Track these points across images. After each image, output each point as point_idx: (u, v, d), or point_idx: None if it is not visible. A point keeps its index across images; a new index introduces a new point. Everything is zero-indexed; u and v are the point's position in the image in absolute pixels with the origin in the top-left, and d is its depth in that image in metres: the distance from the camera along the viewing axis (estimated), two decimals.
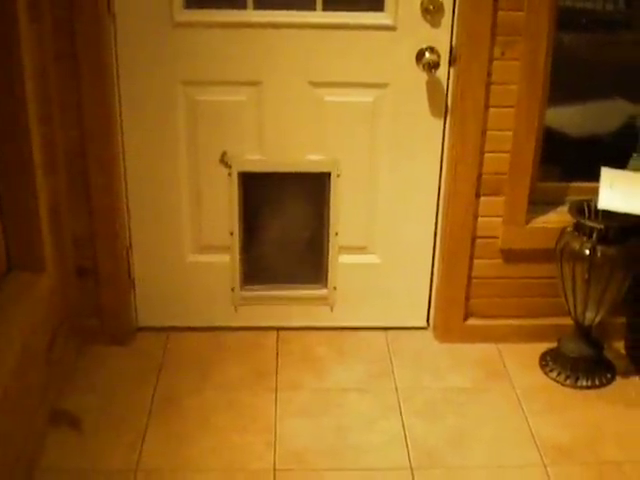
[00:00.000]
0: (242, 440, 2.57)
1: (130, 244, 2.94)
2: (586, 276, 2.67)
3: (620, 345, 3.01)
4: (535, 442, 2.59)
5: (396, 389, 2.82)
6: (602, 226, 2.67)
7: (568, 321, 2.88)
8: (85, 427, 2.61)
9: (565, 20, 2.82)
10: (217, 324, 3.06)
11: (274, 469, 2.47)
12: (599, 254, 2.67)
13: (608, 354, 2.94)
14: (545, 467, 2.50)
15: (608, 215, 2.69)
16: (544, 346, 2.98)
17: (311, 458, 2.51)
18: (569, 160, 3.06)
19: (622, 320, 2.99)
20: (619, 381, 2.87)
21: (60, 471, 2.43)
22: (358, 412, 2.71)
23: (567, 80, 2.95)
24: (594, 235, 2.67)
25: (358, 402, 2.75)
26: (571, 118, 3.08)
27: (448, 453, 2.55)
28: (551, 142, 2.96)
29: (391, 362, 2.94)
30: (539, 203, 2.93)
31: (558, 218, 2.87)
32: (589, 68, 3.04)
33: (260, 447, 2.55)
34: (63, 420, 2.63)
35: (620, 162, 2.87)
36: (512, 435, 2.62)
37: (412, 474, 2.46)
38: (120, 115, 2.75)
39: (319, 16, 2.69)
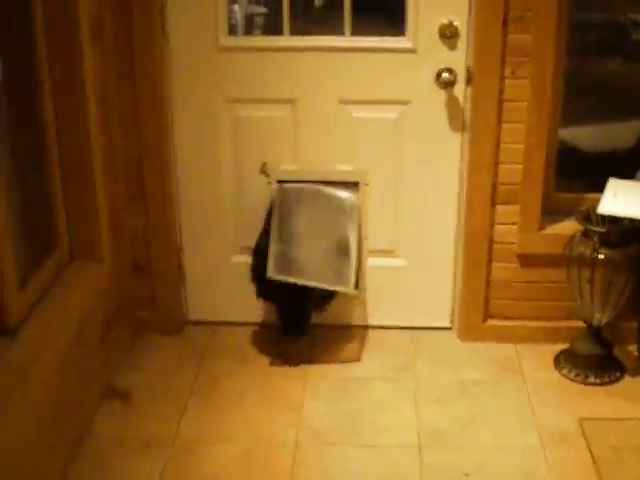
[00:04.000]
0: (270, 416, 2.89)
1: (181, 244, 3.31)
2: (588, 277, 2.90)
3: (633, 348, 3.20)
4: (537, 428, 2.82)
5: (415, 379, 3.08)
6: (604, 230, 2.90)
7: (581, 323, 3.10)
8: (133, 401, 2.96)
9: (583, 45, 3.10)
10: (256, 320, 3.38)
11: (295, 443, 2.77)
12: (601, 257, 2.90)
13: (620, 356, 3.15)
14: (544, 449, 2.73)
15: (613, 221, 2.92)
16: (560, 347, 3.20)
17: (328, 435, 2.81)
18: (589, 174, 3.30)
19: (635, 324, 3.18)
20: (628, 379, 3.06)
21: (106, 437, 2.79)
22: (376, 398, 2.99)
23: (586, 102, 3.23)
24: (596, 238, 2.90)
25: (377, 389, 3.03)
26: (590, 136, 3.34)
27: (455, 435, 2.80)
28: (572, 157, 3.23)
29: (414, 357, 3.21)
30: (557, 213, 3.17)
31: (571, 226, 3.08)
32: (608, 91, 3.30)
33: (284, 424, 2.86)
34: (115, 395, 3.00)
35: (633, 175, 3.11)
36: (517, 421, 2.86)
37: (420, 452, 2.72)
38: (173, 129, 3.13)
39: (347, 41, 3.04)
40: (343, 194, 3.10)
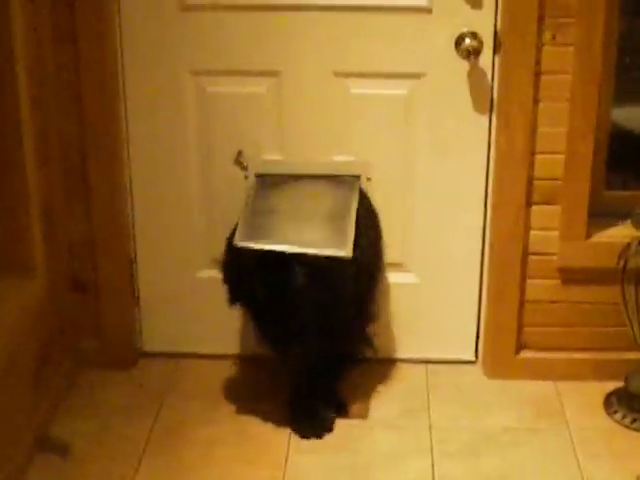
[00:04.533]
0: (248, 474, 2.80)
1: (135, 256, 3.23)
2: None
3: None
4: None
5: (430, 427, 3.01)
6: None
7: (639, 355, 3.04)
8: (74, 455, 2.87)
9: None
10: (232, 352, 3.31)
11: None
12: None
13: None
14: None
15: None
16: (611, 385, 3.13)
17: None
18: None
19: None
20: None
21: None
22: (381, 450, 2.91)
23: None
24: None
25: (383, 440, 2.96)
26: None
27: None
28: (627, 145, 3.18)
29: (428, 398, 3.14)
30: (606, 215, 3.12)
31: (626, 232, 3.03)
32: None
33: None
34: (50, 446, 2.90)
35: None
36: (559, 479, 2.78)
37: None
38: (125, 107, 3.07)
39: None
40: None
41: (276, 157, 3.11)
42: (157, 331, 3.32)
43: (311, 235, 2.88)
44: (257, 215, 2.95)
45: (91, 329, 3.25)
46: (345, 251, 2.82)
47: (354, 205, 2.97)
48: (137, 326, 3.31)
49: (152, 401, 3.12)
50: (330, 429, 2.99)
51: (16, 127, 2.76)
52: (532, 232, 3.08)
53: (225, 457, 2.87)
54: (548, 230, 3.07)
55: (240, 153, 3.10)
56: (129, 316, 3.27)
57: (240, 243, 2.84)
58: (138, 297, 3.28)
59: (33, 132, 2.84)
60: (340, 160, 3.09)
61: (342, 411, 3.06)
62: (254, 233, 2.87)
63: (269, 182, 3.06)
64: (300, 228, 2.91)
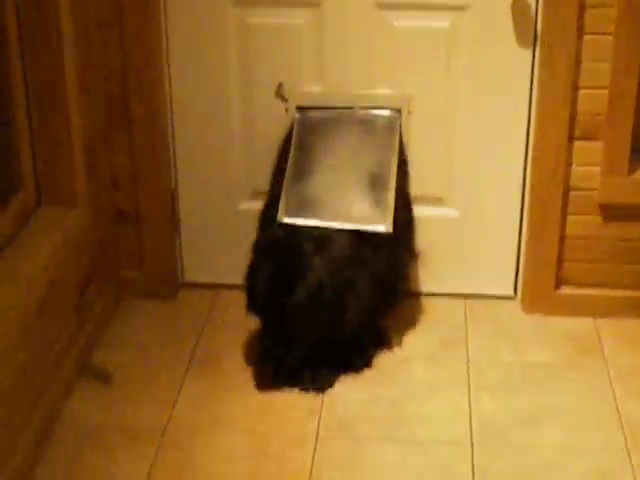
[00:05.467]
0: (285, 402, 2.85)
1: (176, 187, 3.25)
2: None
3: None
4: (622, 426, 2.75)
5: (468, 360, 3.03)
6: None
7: None
8: (115, 382, 2.94)
9: None
10: None
11: (316, 436, 2.72)
12: None
13: None
14: (628, 452, 2.66)
15: None
16: None
17: (357, 427, 2.76)
18: None
19: None
20: None
21: (82, 426, 2.77)
22: (418, 383, 2.94)
23: None
24: None
25: (420, 372, 2.98)
26: None
27: (517, 431, 2.75)
28: None
29: (467, 332, 3.16)
30: None
31: None
32: None
33: (303, 412, 2.82)
34: (92, 373, 2.97)
35: None
36: (594, 416, 2.80)
37: (472, 450, 2.67)
38: (166, 38, 3.07)
39: None
40: (382, 113, 3.04)
41: (316, 89, 3.09)
42: (198, 262, 3.36)
43: (352, 208, 2.93)
44: (298, 181, 2.96)
45: (133, 259, 3.28)
46: (385, 226, 2.88)
47: (394, 162, 2.97)
48: (178, 257, 3.34)
49: (192, 330, 3.17)
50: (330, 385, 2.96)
51: (59, 61, 2.76)
52: (574, 167, 3.06)
53: (265, 385, 2.92)
54: (590, 166, 3.05)
55: (281, 85, 3.09)
56: (170, 247, 3.30)
57: (286, 219, 2.88)
58: (179, 228, 3.31)
59: (74, 62, 2.84)
60: (381, 93, 3.08)
61: (382, 344, 3.09)
62: (297, 209, 2.91)
63: (308, 125, 3.05)
64: (342, 201, 2.95)
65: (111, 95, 3.07)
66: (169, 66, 3.11)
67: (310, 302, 2.78)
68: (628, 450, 2.67)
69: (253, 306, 2.87)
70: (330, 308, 2.83)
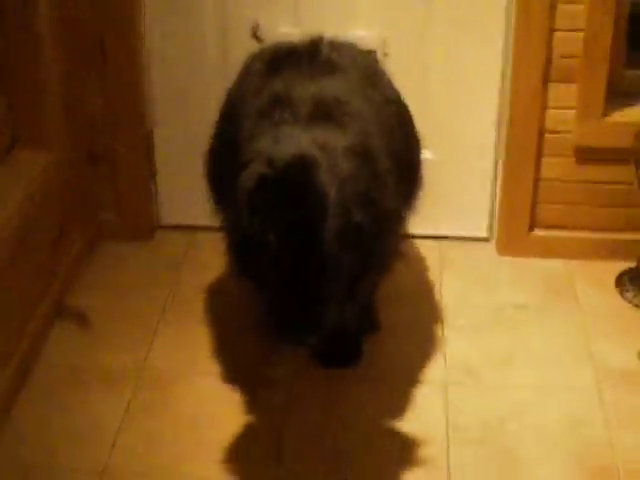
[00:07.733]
0: (256, 347, 2.87)
1: (152, 127, 3.24)
2: None
3: None
4: (592, 365, 2.79)
5: (440, 301, 3.05)
6: None
7: None
8: (90, 325, 2.95)
9: None
10: None
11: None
12: None
13: None
14: (599, 391, 2.70)
15: None
16: (623, 265, 3.16)
17: None
18: None
19: None
20: None
21: (59, 366, 2.78)
22: (393, 322, 2.94)
23: None
24: None
25: (393, 312, 2.98)
26: None
27: (489, 372, 2.78)
28: None
29: (441, 274, 3.18)
30: (626, 95, 3.09)
31: None
32: None
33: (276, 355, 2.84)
34: (68, 315, 2.98)
35: None
36: (566, 356, 2.83)
37: (445, 390, 2.71)
38: None
39: None
40: None
41: (292, 31, 3.05)
42: (174, 204, 3.35)
43: None
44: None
45: (109, 202, 3.27)
46: None
47: None
48: (154, 199, 3.34)
49: (168, 273, 3.17)
50: None
51: None
52: (549, 110, 3.05)
53: (240, 328, 2.93)
54: (565, 109, 3.04)
55: (257, 26, 3.07)
56: (146, 189, 3.29)
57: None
58: (155, 170, 3.30)
59: (49, 3, 2.81)
60: (357, 34, 3.04)
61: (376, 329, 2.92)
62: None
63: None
64: None
65: (85, 34, 3.03)
66: (144, 5, 3.08)
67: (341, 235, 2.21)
68: (599, 390, 2.70)
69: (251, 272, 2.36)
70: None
